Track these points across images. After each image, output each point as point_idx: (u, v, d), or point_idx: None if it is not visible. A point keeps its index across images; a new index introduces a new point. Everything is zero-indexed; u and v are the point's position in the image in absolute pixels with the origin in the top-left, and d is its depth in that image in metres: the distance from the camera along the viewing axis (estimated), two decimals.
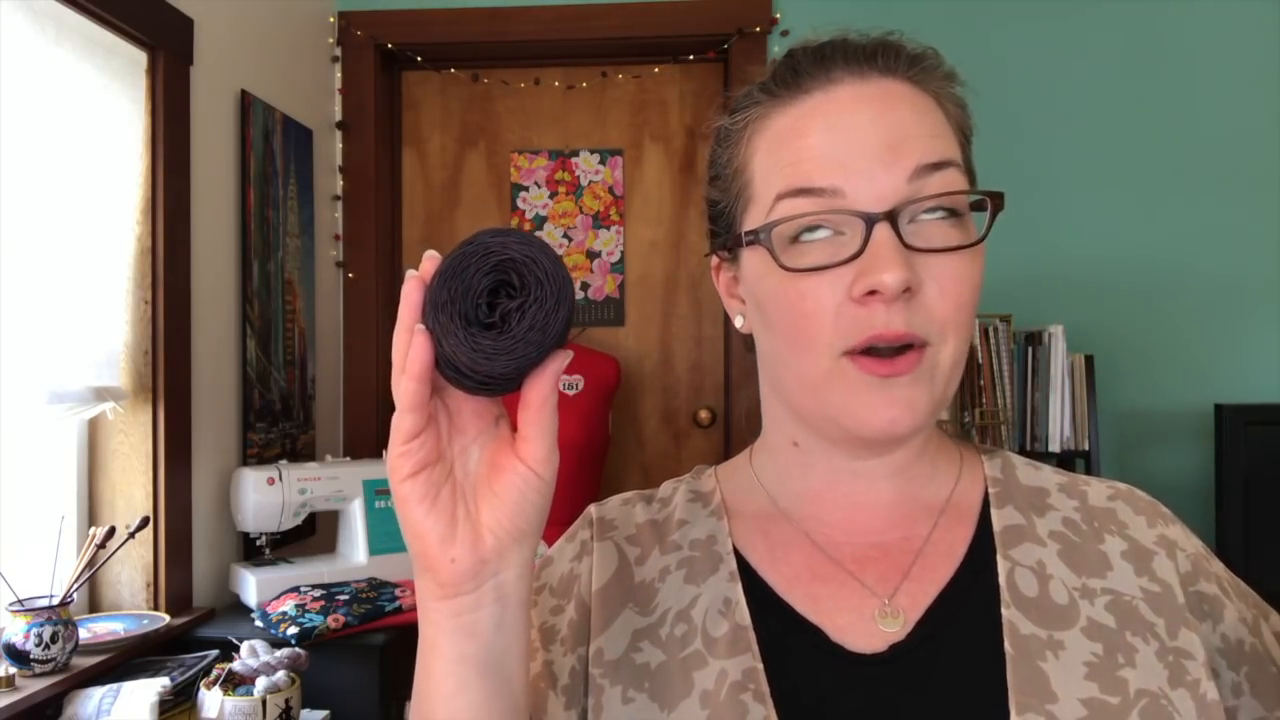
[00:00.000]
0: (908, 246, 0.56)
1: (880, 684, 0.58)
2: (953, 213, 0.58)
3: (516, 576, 0.52)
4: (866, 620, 0.60)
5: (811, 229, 0.58)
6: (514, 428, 0.52)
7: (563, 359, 0.50)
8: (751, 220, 0.62)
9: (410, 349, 0.48)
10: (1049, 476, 0.67)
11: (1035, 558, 0.61)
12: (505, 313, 0.48)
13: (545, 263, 0.48)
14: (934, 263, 0.57)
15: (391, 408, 0.51)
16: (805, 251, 0.58)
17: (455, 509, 0.51)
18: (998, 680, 0.56)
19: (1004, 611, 0.59)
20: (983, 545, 0.63)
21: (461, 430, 0.52)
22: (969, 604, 0.60)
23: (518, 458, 0.51)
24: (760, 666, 0.59)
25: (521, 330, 0.48)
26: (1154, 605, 0.60)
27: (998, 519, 0.64)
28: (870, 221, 0.56)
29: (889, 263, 0.55)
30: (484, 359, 0.48)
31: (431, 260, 0.50)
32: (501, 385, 0.49)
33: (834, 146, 0.58)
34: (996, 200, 0.60)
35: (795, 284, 0.58)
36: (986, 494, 0.66)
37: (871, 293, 0.55)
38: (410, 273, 0.50)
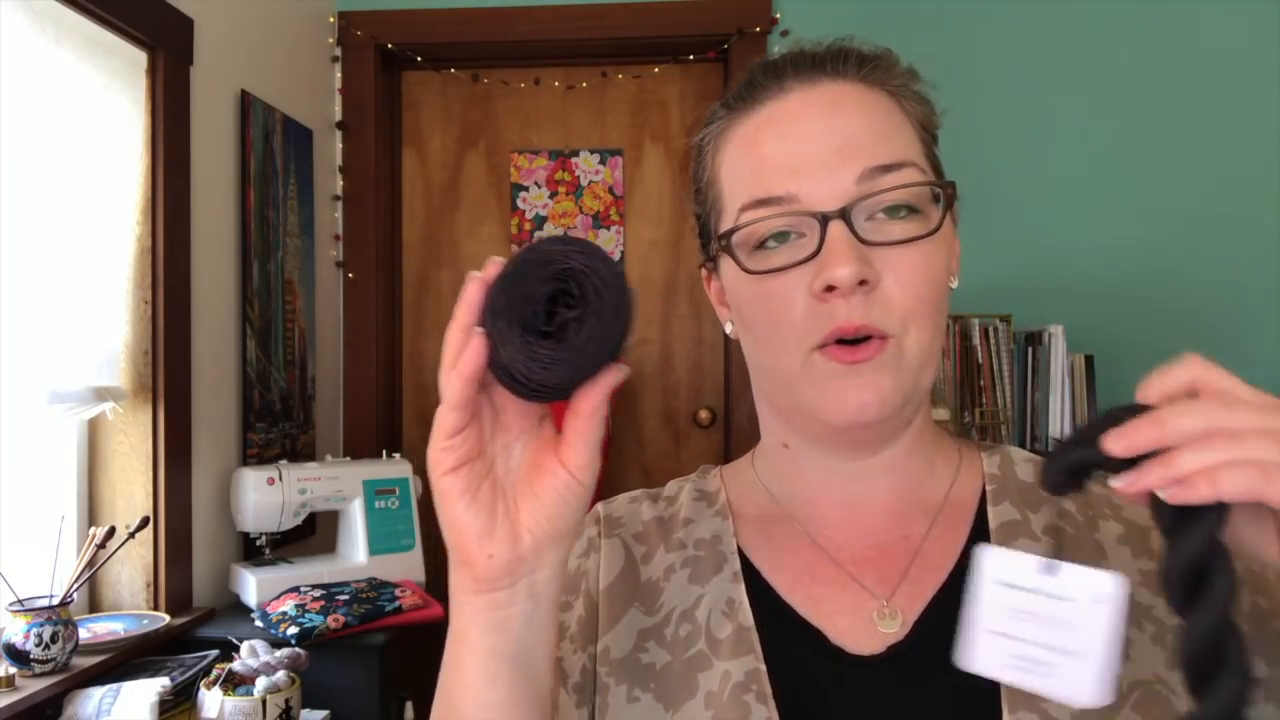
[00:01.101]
0: (864, 242, 0.58)
1: (879, 686, 0.58)
2: (912, 210, 0.60)
3: (550, 576, 0.53)
4: (865, 622, 0.61)
5: (778, 236, 0.60)
6: (558, 428, 0.53)
7: (618, 374, 0.50)
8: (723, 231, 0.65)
9: (465, 349, 0.49)
10: None
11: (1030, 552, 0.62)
12: (563, 323, 0.48)
13: (605, 274, 0.48)
14: (891, 256, 0.58)
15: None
16: (769, 256, 0.61)
17: (495, 505, 0.51)
18: (991, 680, 0.57)
19: None
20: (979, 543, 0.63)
21: (505, 427, 0.53)
22: (964, 604, 0.60)
23: (559, 461, 0.51)
24: (763, 668, 0.60)
25: (579, 341, 0.48)
26: (1151, 585, 0.60)
27: (994, 516, 0.64)
28: (824, 220, 0.58)
29: (842, 258, 0.57)
30: (540, 368, 0.48)
31: (495, 265, 0.50)
32: (553, 394, 0.50)
33: (786, 154, 0.61)
34: (948, 190, 0.61)
35: (762, 286, 0.61)
36: (984, 491, 0.66)
37: (830, 288, 0.57)
38: (473, 274, 0.50)
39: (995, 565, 0.52)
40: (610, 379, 0.49)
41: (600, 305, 0.48)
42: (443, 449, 0.50)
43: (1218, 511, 0.44)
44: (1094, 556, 0.61)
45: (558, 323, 0.48)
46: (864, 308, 0.58)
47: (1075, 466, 0.47)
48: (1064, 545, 0.62)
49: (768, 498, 0.69)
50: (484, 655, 0.52)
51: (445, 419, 0.50)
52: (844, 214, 0.58)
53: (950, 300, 0.64)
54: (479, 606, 0.52)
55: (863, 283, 0.57)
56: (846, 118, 0.61)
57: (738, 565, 0.65)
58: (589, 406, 0.50)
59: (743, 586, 0.64)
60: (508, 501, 0.52)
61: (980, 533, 0.63)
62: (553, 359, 0.48)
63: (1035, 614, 0.50)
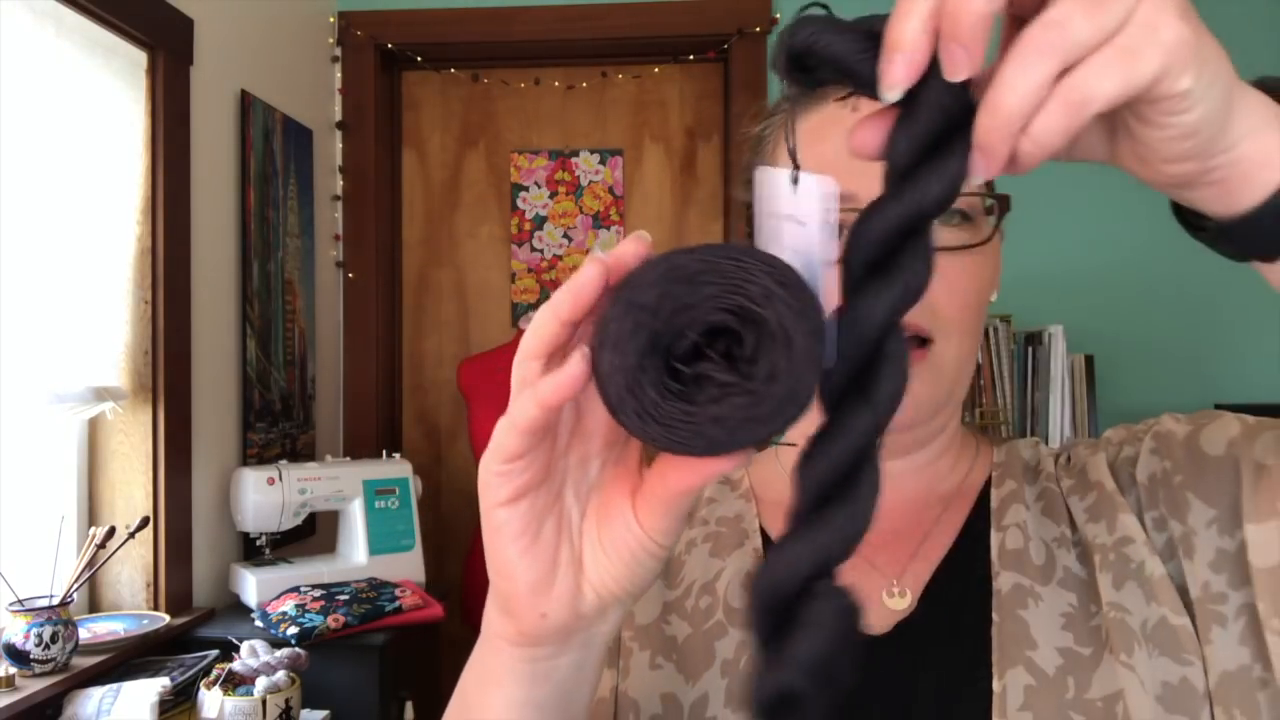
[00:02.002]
0: None
1: (885, 660, 0.61)
2: (965, 217, 0.62)
3: (611, 629, 0.45)
4: (875, 601, 0.63)
5: None
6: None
7: (737, 463, 0.37)
8: None
9: (559, 372, 0.36)
10: (1045, 451, 0.71)
11: (1021, 518, 0.64)
12: (701, 376, 0.34)
13: (799, 340, 0.33)
14: (941, 261, 0.60)
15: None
16: None
17: (558, 551, 0.42)
18: (986, 647, 0.59)
19: (994, 582, 0.61)
20: (980, 521, 0.66)
21: (587, 435, 0.42)
22: (962, 577, 0.63)
23: (634, 510, 0.41)
24: None
25: (704, 416, 0.34)
26: (1094, 514, 0.61)
27: (995, 496, 0.67)
28: None
29: None
30: (638, 423, 0.34)
31: (638, 243, 0.37)
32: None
33: (847, 153, 0.61)
34: (1002, 202, 0.63)
35: None
36: (990, 477, 0.69)
37: None
38: (596, 254, 0.37)
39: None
40: (723, 465, 0.37)
41: (769, 387, 0.33)
42: (499, 473, 0.39)
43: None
44: (1063, 516, 0.63)
45: (695, 371, 0.34)
46: None
47: (811, 59, 0.35)
48: (1045, 509, 0.65)
49: (789, 486, 0.71)
50: (519, 704, 0.45)
51: (507, 441, 0.38)
52: None
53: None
54: (518, 657, 0.44)
55: None
56: None
57: (759, 542, 0.67)
58: (682, 485, 0.39)
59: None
60: (574, 545, 0.42)
61: (982, 509, 0.66)
62: (660, 416, 0.34)
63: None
